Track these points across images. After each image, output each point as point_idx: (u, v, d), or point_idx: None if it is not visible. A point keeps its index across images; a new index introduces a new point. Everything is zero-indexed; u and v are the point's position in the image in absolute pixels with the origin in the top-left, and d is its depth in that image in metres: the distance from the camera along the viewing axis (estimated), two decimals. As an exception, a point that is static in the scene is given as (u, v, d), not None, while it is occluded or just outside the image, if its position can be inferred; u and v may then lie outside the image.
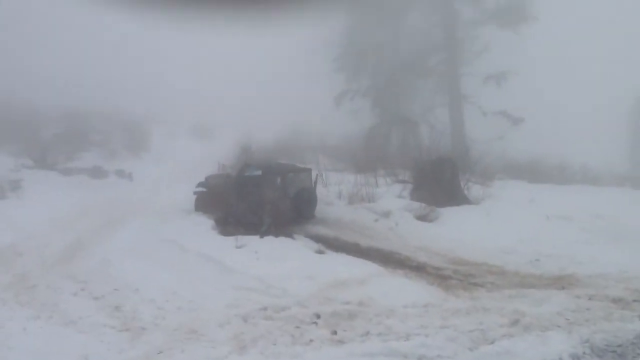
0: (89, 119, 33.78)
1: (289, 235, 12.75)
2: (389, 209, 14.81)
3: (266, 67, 31.82)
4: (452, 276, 10.02)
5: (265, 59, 32.24)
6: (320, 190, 17.22)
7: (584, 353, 5.48)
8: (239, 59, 34.29)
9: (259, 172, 14.79)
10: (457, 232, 12.93)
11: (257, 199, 13.65)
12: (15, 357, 6.35)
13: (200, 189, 16.22)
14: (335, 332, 6.85)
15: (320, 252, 11.58)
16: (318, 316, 7.38)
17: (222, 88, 34.17)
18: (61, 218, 14.86)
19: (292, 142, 29.16)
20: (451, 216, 14.31)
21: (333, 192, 17.36)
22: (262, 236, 12.32)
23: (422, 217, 14.42)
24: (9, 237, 12.45)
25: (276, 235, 12.43)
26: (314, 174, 15.79)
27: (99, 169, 25.62)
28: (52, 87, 31.12)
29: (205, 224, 13.69)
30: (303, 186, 15.05)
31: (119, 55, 35.81)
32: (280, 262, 10.43)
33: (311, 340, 6.65)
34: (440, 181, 16.21)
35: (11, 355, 6.41)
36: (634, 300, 7.56)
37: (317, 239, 12.88)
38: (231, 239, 11.88)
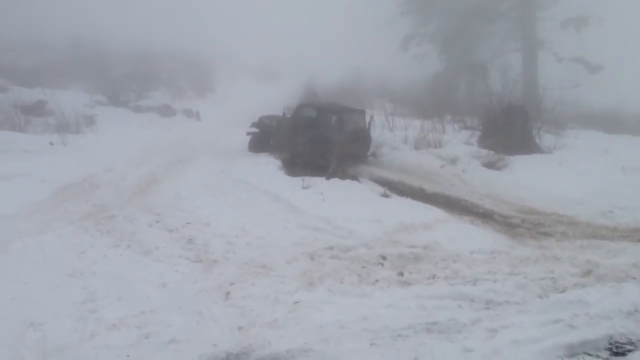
0: (157, 59, 34.38)
1: (355, 178, 12.81)
2: (456, 155, 14.60)
3: (333, 8, 31.31)
4: (520, 225, 9.89)
5: (331, 0, 31.72)
6: (386, 135, 17.13)
7: (661, 306, 5.33)
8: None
9: (314, 113, 14.78)
10: (527, 180, 12.67)
11: (320, 139, 13.68)
12: (99, 282, 6.71)
13: (253, 129, 16.41)
14: (401, 274, 6.92)
15: (385, 195, 11.59)
16: (384, 258, 7.46)
17: (288, 30, 33.97)
18: (134, 153, 15.38)
19: (356, 85, 28.89)
20: (521, 165, 13.98)
21: (399, 136, 17.20)
22: (328, 178, 12.41)
23: (490, 165, 14.14)
24: (86, 170, 12.99)
25: (342, 177, 12.51)
26: (368, 115, 15.63)
27: (167, 108, 26.26)
28: (121, 27, 31.73)
29: (272, 164, 13.87)
30: (358, 127, 15.01)
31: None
32: (346, 204, 10.53)
33: (377, 281, 6.76)
34: (511, 129, 15.77)
35: (95, 280, 6.78)
36: None
37: (383, 182, 12.88)
38: (298, 179, 12.00)
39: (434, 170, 14.03)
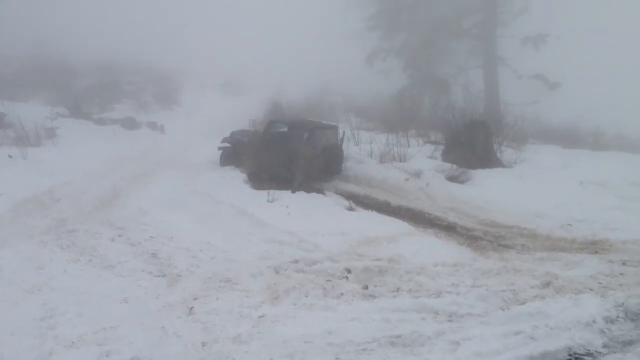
0: (121, 71, 34.04)
1: (320, 191, 12.85)
2: (420, 169, 14.78)
3: (298, 23, 31.51)
4: (482, 237, 10.08)
5: (298, 15, 31.93)
6: (352, 149, 17.24)
7: (618, 317, 5.46)
8: (270, 13, 34.03)
9: (286, 129, 14.79)
10: (489, 194, 12.89)
11: (289, 154, 13.67)
12: (58, 297, 6.57)
13: (225, 144, 16.35)
14: (366, 287, 6.95)
15: (350, 209, 11.66)
16: (349, 271, 7.48)
17: (255, 43, 34.04)
18: (96, 166, 15.11)
19: (322, 100, 29.07)
20: (483, 178, 14.22)
21: (364, 150, 17.33)
22: (293, 191, 12.43)
23: (453, 178, 14.36)
24: (47, 184, 12.72)
25: (308, 191, 12.54)
26: (340, 131, 15.73)
27: (131, 120, 25.89)
28: (85, 39, 31.37)
29: (238, 177, 13.82)
30: (330, 143, 15.08)
31: (150, 7, 35.76)
32: (311, 218, 10.57)
33: (342, 294, 6.78)
34: (473, 143, 16.05)
35: (54, 295, 6.64)
36: (669, 268, 7.51)
37: (348, 196, 12.96)
38: (263, 193, 11.98)
39: (398, 184, 14.18)
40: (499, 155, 16.66)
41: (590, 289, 6.51)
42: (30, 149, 15.84)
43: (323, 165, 14.04)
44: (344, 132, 15.77)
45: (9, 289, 6.79)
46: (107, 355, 5.28)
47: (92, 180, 13.44)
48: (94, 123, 24.06)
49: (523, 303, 6.09)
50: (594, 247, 9.01)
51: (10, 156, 14.70)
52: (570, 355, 4.86)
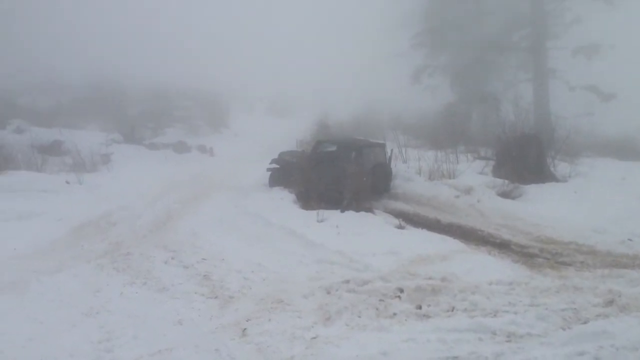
0: (172, 96, 34.89)
1: (369, 210, 12.76)
2: (471, 186, 14.53)
3: (344, 43, 31.69)
4: (538, 254, 9.77)
5: (344, 35, 32.11)
6: (400, 166, 17.13)
7: (688, 336, 5.19)
8: (317, 34, 34.35)
9: (334, 148, 14.80)
10: (543, 209, 12.55)
11: (337, 174, 13.67)
12: (114, 320, 6.70)
13: (273, 165, 16.36)
14: (419, 307, 6.81)
15: (400, 227, 11.53)
16: (401, 290, 7.34)
17: (301, 65, 34.38)
18: (149, 190, 15.51)
19: (369, 118, 29.07)
20: (536, 193, 13.86)
21: (413, 168, 17.20)
22: (342, 211, 12.38)
23: (505, 194, 14.05)
24: (102, 208, 13.12)
25: (357, 210, 12.47)
26: (388, 149, 15.65)
27: (182, 144, 26.55)
28: (137, 66, 32.34)
29: (287, 198, 13.89)
30: (378, 161, 14.99)
31: (199, 32, 36.61)
32: (361, 237, 10.49)
33: (395, 314, 6.65)
34: (525, 158, 15.71)
35: (111, 318, 6.78)
36: None
37: (397, 214, 12.83)
38: (313, 213, 11.99)
39: (448, 201, 13.96)
40: (552, 169, 16.25)
41: (657, 307, 6.20)
42: (86, 174, 16.40)
43: (372, 183, 13.91)
44: (392, 150, 15.73)
45: (68, 311, 6.97)
46: (162, 377, 5.34)
47: (145, 204, 13.77)
48: (147, 148, 24.78)
49: (585, 322, 5.84)
50: (659, 262, 8.63)
51: (67, 182, 15.23)
52: (638, 376, 4.63)
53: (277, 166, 16.25)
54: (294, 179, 14.61)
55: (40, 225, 11.20)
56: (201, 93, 36.04)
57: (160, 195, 14.87)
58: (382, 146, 15.68)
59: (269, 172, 16.24)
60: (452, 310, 6.63)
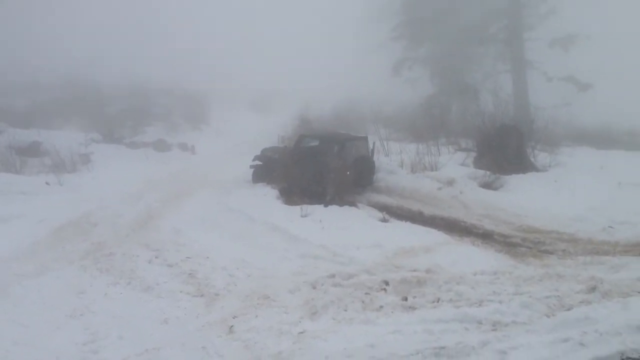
0: (151, 93, 34.57)
1: (353, 204, 12.78)
2: (453, 177, 14.61)
3: (323, 37, 31.66)
4: (520, 244, 9.91)
5: (322, 30, 32.06)
6: (382, 160, 17.15)
7: (670, 320, 5.28)
8: (295, 29, 34.27)
9: (316, 142, 14.77)
10: (524, 199, 12.68)
11: (320, 168, 13.64)
12: (99, 321, 6.64)
13: (256, 162, 16.26)
14: (405, 299, 6.85)
15: (384, 220, 11.58)
16: (387, 283, 7.38)
17: (280, 60, 34.29)
18: (130, 189, 15.34)
19: (349, 112, 29.09)
20: (517, 184, 14.00)
21: (395, 161, 17.24)
22: (326, 205, 12.38)
23: (487, 185, 14.16)
24: (83, 208, 12.94)
25: (340, 204, 12.47)
26: (370, 142, 15.64)
27: (162, 142, 26.31)
28: (114, 64, 32.03)
29: (270, 194, 13.84)
30: (360, 154, 14.95)
31: (176, 29, 36.31)
32: (345, 231, 10.52)
33: (382, 307, 6.68)
34: (505, 149, 15.83)
35: (96, 319, 6.72)
36: None
37: (381, 207, 12.87)
38: (296, 208, 11.98)
39: (431, 193, 14.03)
40: (532, 159, 16.40)
41: (638, 292, 6.29)
42: (66, 175, 16.20)
43: (355, 177, 13.92)
44: (374, 143, 15.71)
45: (52, 314, 6.90)
46: (150, 377, 5.31)
47: (127, 203, 13.62)
48: (127, 147, 24.54)
49: (569, 309, 5.92)
50: (638, 249, 8.77)
51: (47, 183, 15.03)
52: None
53: (260, 163, 16.16)
54: (277, 175, 14.60)
55: (21, 228, 11.02)
56: (180, 90, 35.78)
57: (142, 194, 14.72)
58: (365, 139, 15.67)
59: (252, 169, 16.14)
60: (438, 301, 6.68)
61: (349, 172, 13.54)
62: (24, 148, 19.61)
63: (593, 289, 6.42)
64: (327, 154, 14.09)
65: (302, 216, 11.52)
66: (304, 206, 11.87)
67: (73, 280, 8.16)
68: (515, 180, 14.31)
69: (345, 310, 6.64)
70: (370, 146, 15.42)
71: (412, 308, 6.58)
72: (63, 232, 11.06)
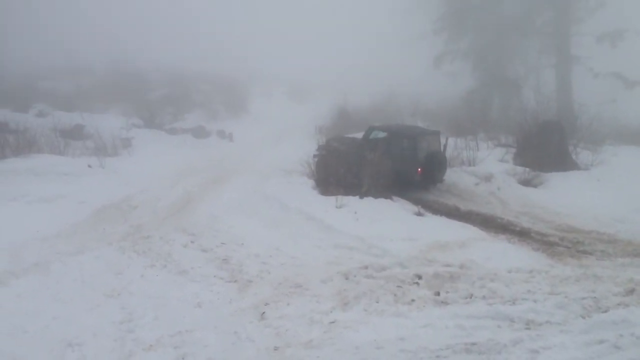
0: (192, 81, 35.03)
1: (388, 197, 12.69)
2: (491, 173, 14.40)
3: (364, 28, 31.51)
4: (558, 243, 9.70)
5: (364, 20, 31.92)
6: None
7: None
8: (336, 19, 34.21)
9: (385, 135, 14.24)
10: (564, 198, 12.44)
11: (404, 161, 13.29)
12: (136, 302, 6.80)
13: (321, 152, 15.57)
14: (438, 293, 6.81)
15: (419, 214, 11.48)
16: (419, 277, 7.34)
17: (319, 49, 34.31)
18: (169, 174, 15.62)
19: (388, 104, 28.92)
20: (558, 182, 13.73)
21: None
22: (362, 197, 12.33)
23: (526, 182, 13.92)
24: (124, 192, 13.26)
25: (375, 196, 12.41)
26: (443, 137, 14.93)
27: (201, 129, 26.64)
28: (157, 51, 32.54)
29: (306, 183, 13.86)
30: (432, 150, 14.19)
31: (218, 18, 36.69)
32: (380, 223, 10.45)
33: (413, 300, 6.65)
34: (547, 146, 15.53)
35: (132, 300, 6.87)
36: None
37: (416, 201, 12.78)
38: (331, 198, 11.96)
39: (468, 188, 13.87)
40: (574, 157, 16.06)
41: (678, 297, 6.13)
42: (107, 158, 16.55)
43: (426, 173, 13.50)
44: (447, 139, 14.98)
45: (90, 293, 7.09)
46: (183, 358, 5.42)
47: (165, 188, 13.88)
48: (167, 132, 24.93)
49: (605, 311, 5.80)
50: (681, 252, 8.52)
51: (89, 166, 15.38)
52: (658, 365, 4.59)
53: (324, 153, 15.31)
54: (334, 167, 13.76)
55: (63, 208, 11.35)
56: (220, 78, 36.17)
57: (180, 179, 14.98)
58: (437, 134, 14.86)
59: (316, 159, 15.11)
60: (471, 297, 6.62)
61: (420, 169, 13.27)
62: (67, 130, 20.11)
63: (631, 292, 6.27)
64: (395, 147, 13.67)
65: (337, 207, 11.50)
66: (340, 197, 11.85)
67: (112, 260, 8.37)
68: (555, 178, 14.05)
69: (377, 302, 6.63)
70: (443, 142, 14.71)
71: (444, 303, 6.53)
72: (103, 213, 11.34)
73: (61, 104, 25.68)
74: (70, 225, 10.31)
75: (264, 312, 6.42)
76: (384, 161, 12.92)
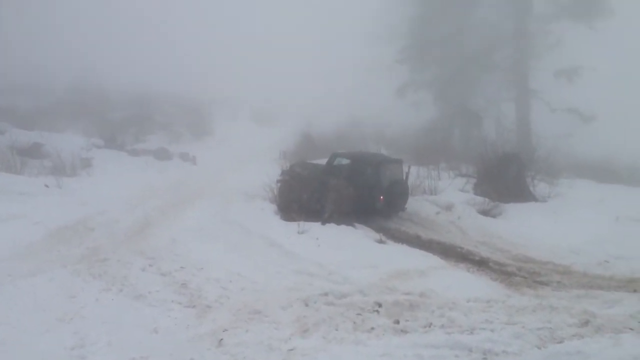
0: (155, 102, 34.77)
1: (350, 224, 12.74)
2: (452, 202, 14.63)
3: (329, 55, 31.86)
4: (516, 273, 9.87)
5: (328, 48, 32.29)
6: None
7: (661, 358, 5.25)
8: (301, 45, 34.52)
9: (348, 162, 14.32)
10: (522, 228, 12.68)
11: (369, 188, 13.36)
12: (89, 326, 6.60)
13: (284, 177, 15.33)
14: (397, 322, 6.81)
15: (381, 241, 11.56)
16: (379, 305, 7.34)
17: (284, 75, 34.51)
18: (129, 196, 15.35)
19: (352, 131, 29.18)
20: (516, 212, 14.01)
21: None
22: (323, 223, 12.35)
23: (485, 212, 14.17)
24: (81, 213, 12.95)
25: (338, 223, 12.44)
26: (405, 166, 14.97)
27: (164, 151, 26.38)
28: (120, 72, 32.26)
29: (268, 208, 13.82)
30: (394, 178, 14.28)
31: (182, 41, 36.66)
32: (341, 250, 10.46)
33: (373, 328, 6.63)
34: (505, 177, 15.89)
35: (85, 324, 6.67)
36: None
37: (378, 228, 12.86)
38: (293, 224, 11.95)
39: (429, 217, 14.04)
40: (532, 189, 16.43)
41: (631, 329, 6.26)
42: (65, 178, 16.22)
43: (388, 202, 13.56)
44: (409, 167, 15.03)
45: (42, 316, 6.86)
46: (136, 386, 5.27)
47: (124, 210, 13.63)
48: (128, 154, 24.62)
49: (561, 342, 5.88)
50: (633, 285, 8.75)
51: (46, 185, 15.03)
52: (611, 397, 4.66)
53: (287, 178, 15.12)
54: (296, 192, 13.91)
55: (18, 228, 11.01)
56: (184, 100, 36.03)
57: (140, 202, 14.74)
58: (399, 162, 14.93)
59: (279, 184, 14.94)
60: (430, 326, 6.63)
61: (382, 197, 13.34)
62: (25, 149, 19.64)
63: (586, 323, 6.38)
64: (358, 174, 13.74)
65: (299, 233, 11.49)
66: (302, 223, 11.84)
67: (66, 283, 8.12)
68: (514, 209, 14.33)
69: (336, 330, 6.59)
70: (406, 170, 14.78)
71: (404, 332, 6.53)
72: (59, 235, 11.05)
73: (20, 121, 25.10)
74: (24, 246, 10.00)
75: (221, 339, 6.31)
76: (346, 188, 13.00)
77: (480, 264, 10.54)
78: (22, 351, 5.88)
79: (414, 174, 17.00)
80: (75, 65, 32.06)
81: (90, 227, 11.82)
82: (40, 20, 32.59)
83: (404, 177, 14.62)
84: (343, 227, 12.34)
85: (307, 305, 7.39)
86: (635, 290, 8.39)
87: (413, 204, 14.89)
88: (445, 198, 15.25)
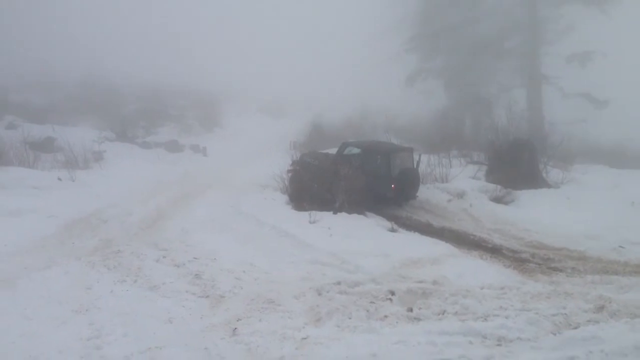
0: (166, 95, 34.83)
1: (362, 212, 12.72)
2: (463, 190, 14.56)
3: (339, 45, 31.71)
4: (529, 259, 9.82)
5: (338, 38, 32.14)
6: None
7: (678, 343, 5.20)
8: (311, 37, 34.39)
9: (358, 151, 14.37)
10: (535, 215, 12.60)
11: (379, 178, 13.44)
12: (104, 317, 6.64)
13: (295, 167, 15.28)
14: (410, 309, 6.80)
15: (393, 230, 11.55)
16: (393, 293, 7.34)
17: (296, 66, 34.41)
18: (141, 188, 15.42)
19: (362, 121, 29.09)
20: (528, 199, 13.92)
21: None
22: (335, 212, 12.34)
23: (497, 199, 14.10)
24: (94, 205, 13.01)
25: (349, 212, 12.43)
26: (416, 154, 15.05)
27: (175, 143, 26.48)
28: (132, 65, 32.33)
29: (279, 198, 13.85)
30: (405, 166, 14.30)
31: (194, 34, 36.63)
32: (353, 239, 10.46)
33: (386, 316, 6.63)
34: (518, 164, 15.76)
35: (101, 316, 6.71)
36: None
37: (389, 217, 12.85)
38: (305, 214, 11.95)
39: (441, 205, 13.99)
40: (544, 175, 16.31)
41: (647, 314, 6.23)
42: (78, 171, 16.27)
43: (399, 190, 13.58)
44: (420, 155, 15.07)
45: (58, 308, 6.90)
46: (152, 376, 5.30)
47: (137, 202, 13.69)
48: (139, 146, 24.72)
49: (576, 327, 5.86)
50: (649, 270, 8.68)
51: (59, 179, 15.11)
52: (627, 382, 4.64)
53: (298, 168, 15.09)
54: (307, 182, 13.84)
55: (32, 222, 11.08)
56: (195, 92, 36.05)
57: (152, 194, 14.80)
58: (410, 151, 14.99)
59: (289, 174, 14.98)
60: (443, 314, 6.62)
61: (393, 185, 13.36)
62: (38, 143, 19.79)
63: (601, 309, 6.35)
64: (368, 163, 13.82)
65: (310, 222, 11.50)
66: (313, 212, 11.83)
67: (80, 275, 8.18)
68: (526, 196, 14.24)
69: (350, 318, 6.59)
70: (416, 158, 14.85)
71: (417, 319, 6.53)
72: (73, 227, 11.12)
73: (33, 116, 25.28)
74: (38, 239, 10.07)
75: (235, 328, 6.33)
76: (357, 177, 12.97)
77: (493, 251, 10.50)
78: (39, 343, 5.92)
79: (425, 162, 16.94)
80: (86, 60, 32.19)
81: (103, 220, 11.88)
82: (50, 17, 32.73)
83: (415, 166, 14.63)
84: (354, 216, 12.32)
85: (320, 294, 7.41)
86: (650, 275, 8.32)
87: (424, 192, 14.84)
88: (456, 185, 15.17)
